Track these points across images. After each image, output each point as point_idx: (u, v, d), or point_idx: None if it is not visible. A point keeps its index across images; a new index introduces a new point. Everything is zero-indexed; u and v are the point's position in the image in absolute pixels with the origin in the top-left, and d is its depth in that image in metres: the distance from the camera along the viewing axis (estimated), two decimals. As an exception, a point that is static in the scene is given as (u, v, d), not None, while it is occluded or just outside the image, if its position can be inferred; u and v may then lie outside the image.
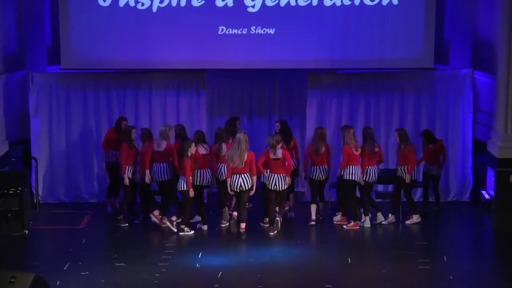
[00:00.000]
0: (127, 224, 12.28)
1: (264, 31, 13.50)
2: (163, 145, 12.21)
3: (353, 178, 12.10)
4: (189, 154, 11.68)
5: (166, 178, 12.20)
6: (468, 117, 13.77)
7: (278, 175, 11.73)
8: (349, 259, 10.74)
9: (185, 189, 11.70)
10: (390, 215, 12.42)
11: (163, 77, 13.81)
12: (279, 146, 11.77)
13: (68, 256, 10.82)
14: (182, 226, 11.86)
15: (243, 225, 11.69)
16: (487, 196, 13.46)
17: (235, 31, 13.51)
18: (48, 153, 13.79)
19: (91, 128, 13.82)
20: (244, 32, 13.51)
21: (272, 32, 13.50)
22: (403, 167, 12.32)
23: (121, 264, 10.52)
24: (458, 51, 13.99)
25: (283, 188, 11.81)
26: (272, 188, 11.78)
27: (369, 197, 12.44)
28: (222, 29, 13.51)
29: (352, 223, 12.19)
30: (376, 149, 12.32)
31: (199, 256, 10.86)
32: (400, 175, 12.35)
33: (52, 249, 11.25)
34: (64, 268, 10.31)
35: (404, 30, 13.44)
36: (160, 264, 10.50)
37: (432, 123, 13.69)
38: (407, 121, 13.82)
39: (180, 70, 13.72)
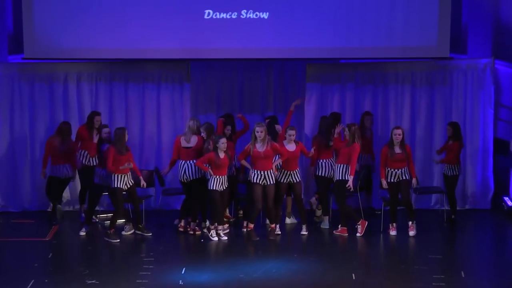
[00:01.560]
0: (118, 240, 12.20)
1: (256, 15, 13.47)
2: (194, 140, 12.37)
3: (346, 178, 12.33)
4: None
5: (197, 177, 12.38)
6: (489, 113, 13.80)
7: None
8: (353, 275, 10.69)
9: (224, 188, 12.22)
10: (391, 225, 12.42)
11: (141, 68, 13.81)
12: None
13: (32, 272, 10.74)
14: (219, 229, 12.19)
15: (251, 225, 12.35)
16: (510, 203, 13.45)
17: (223, 15, 13.46)
18: (9, 154, 13.74)
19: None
20: (233, 17, 13.47)
21: (266, 17, 13.46)
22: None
23: (93, 281, 10.41)
24: (477, 38, 13.98)
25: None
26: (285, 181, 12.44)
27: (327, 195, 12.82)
28: (209, 13, 13.47)
29: (360, 228, 12.30)
30: (331, 143, 12.60)
31: (183, 272, 10.80)
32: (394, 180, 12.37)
33: (14, 264, 11.18)
34: (28, 286, 10.24)
35: (416, 13, 13.42)
36: (138, 281, 10.41)
37: (447, 119, 13.67)
38: (419, 117, 13.88)
39: (161, 60, 13.70)
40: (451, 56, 13.63)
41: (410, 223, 12.38)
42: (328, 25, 13.46)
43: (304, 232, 12.44)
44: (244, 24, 13.45)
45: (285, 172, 12.36)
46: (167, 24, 13.37)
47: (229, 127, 12.91)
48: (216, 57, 13.64)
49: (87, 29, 13.35)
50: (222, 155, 12.05)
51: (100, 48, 13.44)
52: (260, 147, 12.11)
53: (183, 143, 12.42)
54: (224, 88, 14.42)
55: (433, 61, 13.75)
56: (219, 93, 14.41)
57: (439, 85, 13.81)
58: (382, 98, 13.89)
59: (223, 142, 12.04)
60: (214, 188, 12.06)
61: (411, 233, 12.32)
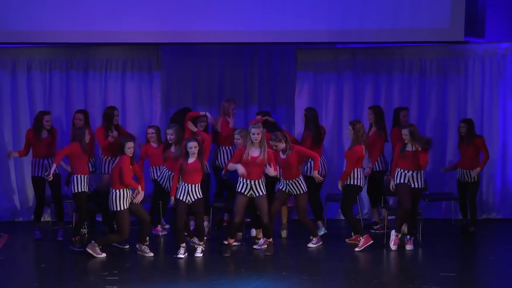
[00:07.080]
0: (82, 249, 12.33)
1: (238, -8, 13.57)
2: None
3: (360, 183, 12.39)
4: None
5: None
6: (510, 105, 13.94)
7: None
8: (352, 296, 10.69)
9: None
10: (394, 234, 12.39)
11: (103, 53, 13.92)
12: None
13: (-28, 295, 10.75)
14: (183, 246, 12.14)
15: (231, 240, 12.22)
16: (535, 211, 13.53)
17: (199, -9, 13.55)
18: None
19: (5, 123, 13.80)
20: (212, -7, 13.57)
21: (250, -6, 13.58)
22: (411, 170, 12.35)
23: (45, 305, 10.42)
24: (496, 19, 14.14)
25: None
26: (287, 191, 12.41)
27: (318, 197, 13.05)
28: (183, -11, 13.54)
29: (363, 240, 12.34)
30: (322, 136, 12.98)
31: (151, 293, 10.80)
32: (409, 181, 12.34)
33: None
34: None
35: (425, -10, 13.56)
36: (98, 304, 10.43)
37: (461, 113, 13.84)
38: (429, 110, 14.05)
39: (126, 44, 13.75)
40: (466, 40, 13.73)
41: (408, 237, 12.44)
42: (323, 5, 13.53)
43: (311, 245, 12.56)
44: (224, 2, 13.46)
45: (285, 181, 12.29)
46: (133, 2, 13.36)
47: (202, 124, 12.82)
48: (191, 41, 13.67)
49: (39, 8, 13.33)
50: (191, 160, 11.90)
51: (55, 30, 13.43)
52: (254, 152, 11.96)
53: None
54: (200, 77, 14.52)
55: (445, 45, 13.89)
56: (194, 83, 14.51)
57: (452, 74, 13.96)
58: (386, 89, 14.04)
59: (190, 147, 11.82)
60: (179, 197, 11.92)
61: (409, 247, 12.39)
